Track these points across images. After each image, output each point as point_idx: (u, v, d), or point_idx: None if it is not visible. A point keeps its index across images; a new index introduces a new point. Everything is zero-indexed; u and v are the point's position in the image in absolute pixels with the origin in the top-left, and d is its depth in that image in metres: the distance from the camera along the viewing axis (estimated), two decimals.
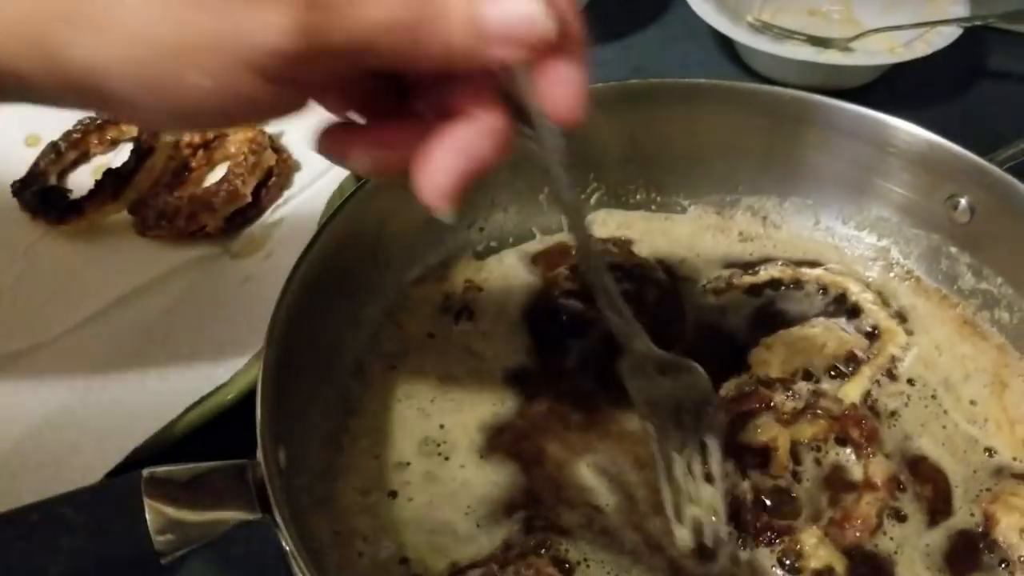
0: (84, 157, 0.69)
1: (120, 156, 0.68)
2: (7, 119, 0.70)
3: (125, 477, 0.40)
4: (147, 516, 0.38)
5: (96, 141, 0.68)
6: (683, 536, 0.47)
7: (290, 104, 0.35)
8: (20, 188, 0.65)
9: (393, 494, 0.49)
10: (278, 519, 0.39)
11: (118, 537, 0.38)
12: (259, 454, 0.41)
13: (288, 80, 0.32)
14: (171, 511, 0.39)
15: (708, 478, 0.47)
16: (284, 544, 0.39)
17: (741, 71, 0.83)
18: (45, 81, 0.33)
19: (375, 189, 0.55)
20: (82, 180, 0.68)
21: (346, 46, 0.32)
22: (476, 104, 0.35)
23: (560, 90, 0.35)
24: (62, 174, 0.67)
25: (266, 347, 0.45)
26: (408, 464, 0.51)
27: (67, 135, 0.68)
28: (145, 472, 0.39)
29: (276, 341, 0.46)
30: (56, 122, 0.69)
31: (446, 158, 0.36)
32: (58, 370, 0.55)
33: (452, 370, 0.55)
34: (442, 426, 0.52)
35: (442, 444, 0.51)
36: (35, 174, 0.66)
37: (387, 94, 0.38)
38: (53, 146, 0.67)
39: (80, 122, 0.68)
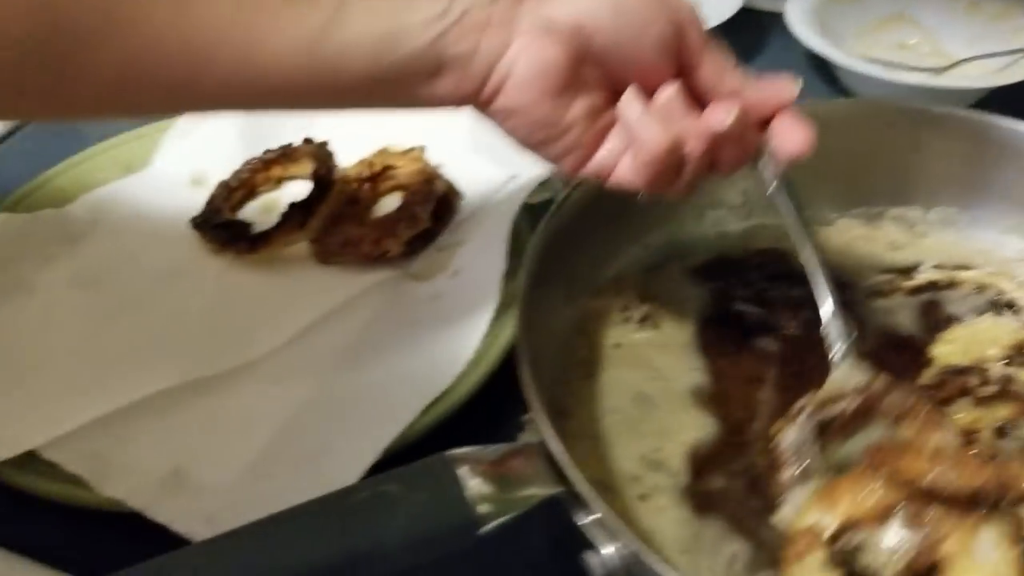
0: (251, 195, 0.72)
1: (285, 192, 0.72)
2: (173, 159, 0.74)
3: (430, 458, 0.42)
4: (465, 488, 0.40)
5: (263, 179, 0.72)
6: None
7: None
8: (202, 223, 0.68)
9: (643, 497, 0.51)
10: (582, 491, 0.41)
11: (442, 509, 0.40)
12: (544, 435, 0.44)
13: None
14: (481, 485, 0.41)
15: None
16: (586, 516, 0.42)
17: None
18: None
19: (569, 209, 0.59)
20: (250, 215, 0.71)
21: None
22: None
23: (792, 132, 0.50)
24: (232, 209, 0.70)
25: (520, 356, 0.48)
26: (639, 477, 0.52)
27: (236, 174, 0.71)
28: (449, 452, 0.42)
29: (525, 351, 0.49)
30: (220, 162, 0.73)
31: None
32: (276, 388, 0.58)
33: (644, 387, 0.57)
34: (658, 449, 0.54)
35: (663, 465, 0.53)
36: (212, 210, 0.69)
37: None
38: (225, 185, 0.71)
39: (247, 162, 0.72)
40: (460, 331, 0.58)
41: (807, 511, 0.45)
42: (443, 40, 0.44)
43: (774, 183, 0.52)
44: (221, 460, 0.53)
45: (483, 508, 0.40)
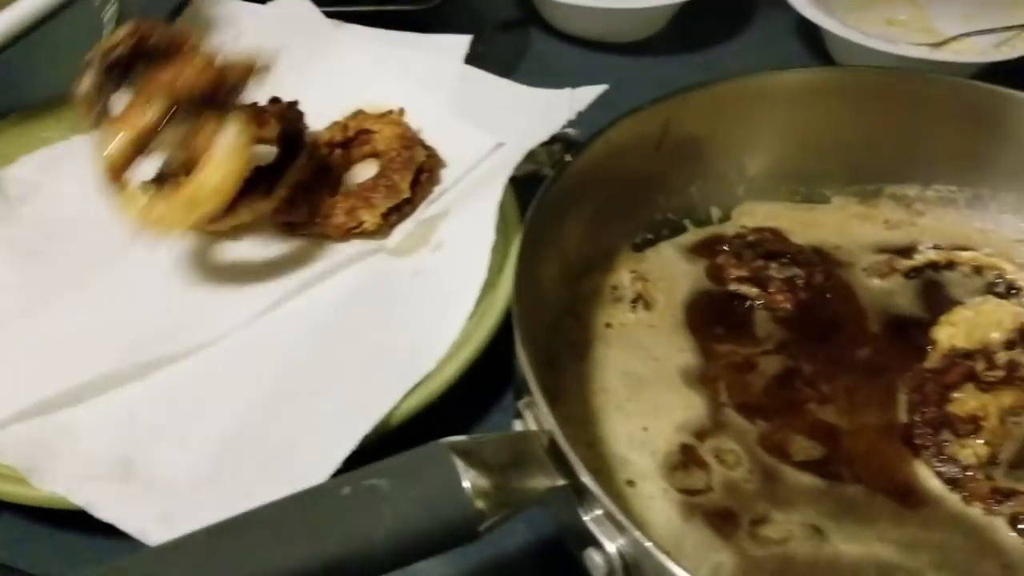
0: None
1: (261, 154, 0.67)
2: None
3: (426, 447, 0.38)
4: (465, 482, 0.37)
5: None
6: None
7: None
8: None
9: (631, 483, 0.48)
10: (586, 484, 0.38)
11: (437, 505, 0.36)
12: (546, 423, 0.40)
13: None
14: (478, 479, 0.38)
15: None
16: (590, 510, 0.39)
17: None
18: None
19: (565, 182, 0.55)
20: None
21: None
22: None
23: None
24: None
25: (521, 342, 0.45)
26: (627, 459, 0.50)
27: None
28: (445, 441, 0.38)
29: (525, 334, 0.46)
30: None
31: None
32: (243, 367, 0.53)
33: (633, 367, 0.55)
34: (645, 429, 0.51)
35: (651, 445, 0.51)
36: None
37: None
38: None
39: None
40: (444, 310, 0.54)
41: (106, 141, 0.56)
42: None
43: None
44: (177, 451, 0.48)
45: (483, 503, 0.37)
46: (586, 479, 0.38)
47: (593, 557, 0.39)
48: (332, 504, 0.36)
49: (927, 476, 0.49)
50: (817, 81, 0.63)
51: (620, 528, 0.37)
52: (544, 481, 0.39)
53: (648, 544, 0.36)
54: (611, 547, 0.38)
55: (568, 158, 0.55)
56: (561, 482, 0.39)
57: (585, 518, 0.39)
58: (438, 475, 0.37)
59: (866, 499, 0.48)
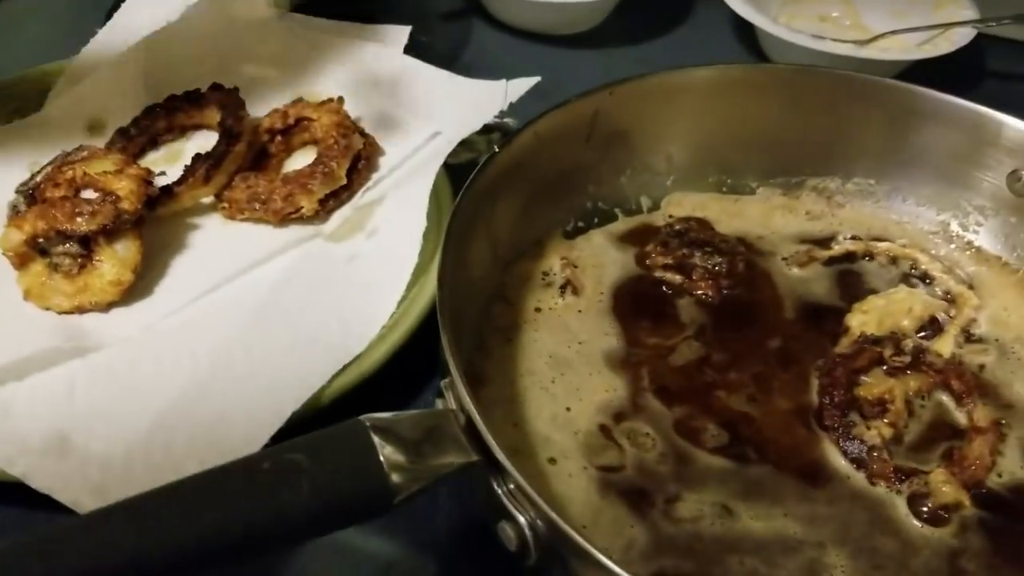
0: (152, 144, 0.68)
1: (191, 143, 0.67)
2: (68, 104, 0.69)
3: (346, 424, 0.40)
4: (380, 456, 0.38)
5: (165, 127, 0.67)
6: None
7: None
8: None
9: (552, 461, 0.50)
10: (500, 459, 0.40)
11: (354, 479, 0.38)
12: (463, 402, 0.42)
13: None
14: (396, 454, 0.39)
15: None
16: (499, 486, 0.40)
17: None
18: None
19: (495, 170, 0.56)
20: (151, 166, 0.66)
21: None
22: None
23: None
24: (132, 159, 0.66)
25: (443, 326, 0.46)
26: (549, 438, 0.52)
27: (136, 122, 0.67)
28: (366, 419, 0.40)
29: (447, 317, 0.47)
30: (119, 108, 0.68)
31: None
32: (178, 350, 0.54)
33: (560, 350, 0.57)
34: (568, 409, 0.53)
35: (573, 425, 0.52)
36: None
37: None
38: (122, 133, 0.66)
39: (150, 108, 0.67)
40: (376, 294, 0.56)
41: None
42: None
43: None
44: (113, 426, 0.49)
45: (398, 477, 0.38)
46: (499, 455, 0.40)
47: (506, 529, 0.41)
48: (252, 476, 0.37)
49: (835, 456, 0.52)
50: (736, 77, 0.65)
51: (530, 501, 0.39)
52: (458, 457, 0.40)
53: (554, 516, 0.38)
54: (522, 519, 0.40)
55: (496, 148, 0.56)
56: (475, 458, 0.40)
57: (498, 492, 0.41)
58: (355, 450, 0.38)
59: (774, 479, 0.50)
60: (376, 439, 0.39)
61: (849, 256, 0.64)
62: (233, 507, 0.35)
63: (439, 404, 0.46)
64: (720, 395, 0.54)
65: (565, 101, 0.61)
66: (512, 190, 0.60)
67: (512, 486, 0.40)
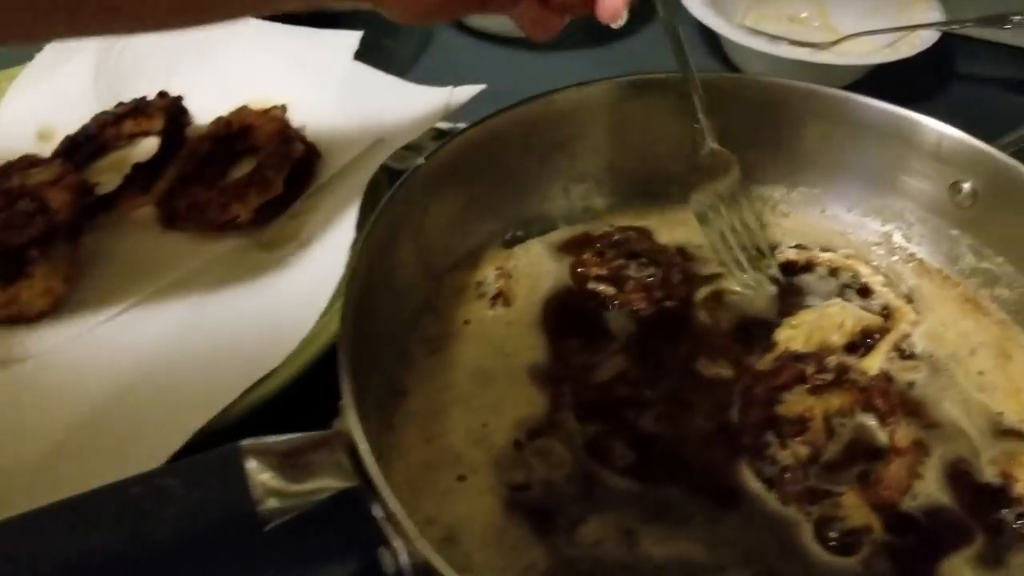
0: (101, 151, 0.69)
1: (143, 150, 0.68)
2: (19, 111, 0.70)
3: (222, 449, 0.40)
4: (249, 484, 0.39)
5: (114, 135, 0.68)
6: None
7: None
8: None
9: (462, 477, 0.50)
10: (379, 485, 0.40)
11: (222, 505, 0.38)
12: (348, 423, 0.42)
13: None
14: (271, 480, 0.40)
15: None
16: (378, 511, 0.41)
17: (729, 71, 0.87)
18: None
19: (422, 179, 0.57)
20: (98, 174, 0.67)
21: None
22: None
23: None
24: (78, 169, 0.67)
25: (342, 334, 0.47)
26: (462, 454, 0.51)
27: (84, 129, 0.68)
28: (243, 443, 0.40)
29: (349, 327, 0.47)
30: (69, 116, 0.69)
31: None
32: (101, 361, 0.55)
33: (485, 363, 0.56)
34: (485, 425, 0.53)
35: (487, 441, 0.52)
36: None
37: None
38: (70, 141, 0.67)
39: (98, 116, 0.68)
40: (300, 306, 0.56)
41: None
42: None
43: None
44: (22, 440, 0.50)
45: (270, 504, 0.39)
46: (376, 481, 0.40)
47: (384, 555, 0.41)
48: (121, 501, 0.38)
49: (749, 477, 0.51)
50: (674, 87, 0.64)
51: (401, 529, 0.39)
52: (339, 482, 0.41)
53: (421, 546, 0.38)
54: (399, 545, 0.40)
55: (420, 161, 0.56)
56: (355, 483, 0.41)
57: (377, 517, 0.41)
58: (226, 477, 0.39)
59: (683, 500, 0.50)
60: (252, 463, 0.39)
61: (789, 267, 0.64)
62: (94, 534, 0.36)
63: (336, 424, 0.46)
64: (635, 413, 0.54)
65: (500, 110, 0.61)
66: (444, 198, 0.59)
67: (388, 513, 0.40)
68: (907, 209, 0.63)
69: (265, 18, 0.77)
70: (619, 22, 0.53)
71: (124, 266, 0.62)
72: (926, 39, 0.78)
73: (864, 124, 0.62)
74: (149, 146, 0.68)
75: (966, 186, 0.59)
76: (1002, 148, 0.58)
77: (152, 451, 0.48)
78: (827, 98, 0.62)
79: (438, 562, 0.38)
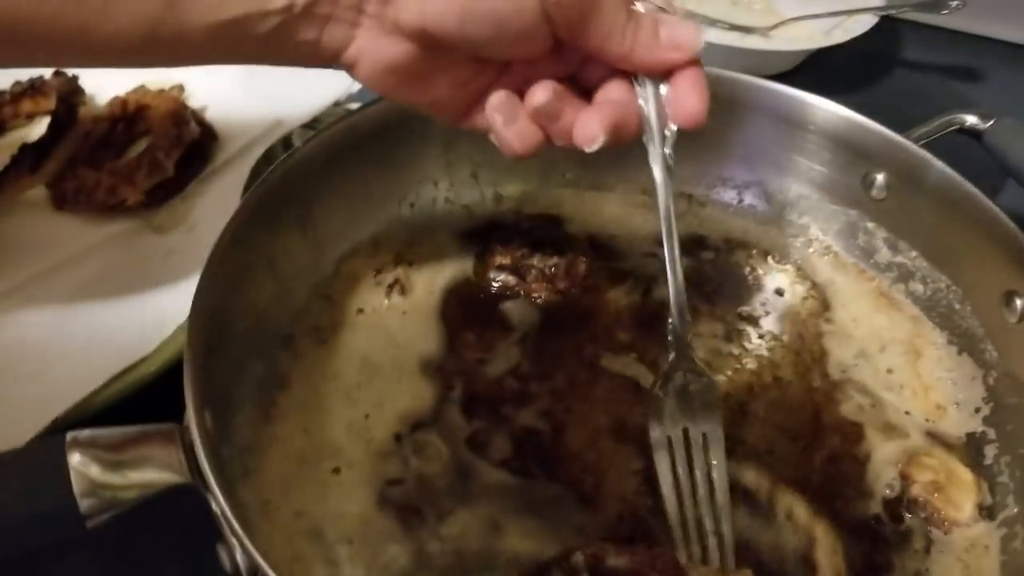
0: None
1: (38, 130, 0.66)
2: None
3: (48, 440, 0.38)
4: (71, 479, 0.37)
5: (11, 114, 0.66)
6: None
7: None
8: None
9: (337, 470, 0.48)
10: (210, 482, 0.38)
11: (43, 500, 0.37)
12: (187, 418, 0.40)
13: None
14: (96, 474, 0.38)
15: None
16: (214, 507, 0.39)
17: None
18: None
19: (302, 161, 0.54)
20: None
21: None
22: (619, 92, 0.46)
23: (691, 95, 0.45)
24: None
25: (191, 315, 0.44)
26: (341, 448, 0.50)
27: None
28: (69, 435, 0.38)
29: (201, 310, 0.45)
30: None
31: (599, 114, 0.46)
32: None
33: (375, 354, 0.54)
34: (367, 417, 0.51)
35: (368, 433, 0.50)
36: None
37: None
38: None
39: None
40: (180, 292, 0.54)
41: None
42: (287, 30, 0.43)
43: (659, 155, 0.47)
44: None
45: (93, 499, 0.37)
46: (208, 477, 0.38)
47: (221, 552, 0.39)
48: None
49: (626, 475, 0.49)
50: None
51: (231, 527, 0.37)
52: (169, 476, 0.39)
53: (248, 544, 0.36)
54: (234, 543, 0.38)
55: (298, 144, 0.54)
56: (182, 479, 0.39)
57: (216, 513, 0.39)
58: (47, 470, 0.37)
59: (558, 497, 0.48)
60: (75, 458, 0.37)
61: (705, 260, 0.62)
62: None
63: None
64: (519, 407, 0.52)
65: None
66: (333, 184, 0.56)
67: (221, 510, 0.38)
68: (822, 200, 0.61)
69: None
70: (594, 146, 0.46)
71: (13, 249, 0.59)
72: (862, 24, 0.76)
73: (773, 112, 0.60)
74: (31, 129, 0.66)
75: (879, 177, 0.57)
76: (915, 139, 0.56)
77: (5, 439, 0.46)
78: (738, 85, 0.60)
79: (263, 563, 0.36)
